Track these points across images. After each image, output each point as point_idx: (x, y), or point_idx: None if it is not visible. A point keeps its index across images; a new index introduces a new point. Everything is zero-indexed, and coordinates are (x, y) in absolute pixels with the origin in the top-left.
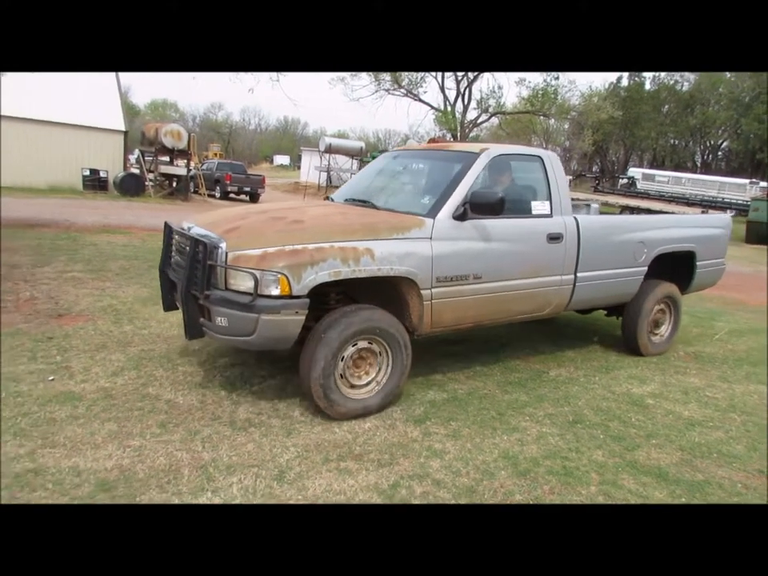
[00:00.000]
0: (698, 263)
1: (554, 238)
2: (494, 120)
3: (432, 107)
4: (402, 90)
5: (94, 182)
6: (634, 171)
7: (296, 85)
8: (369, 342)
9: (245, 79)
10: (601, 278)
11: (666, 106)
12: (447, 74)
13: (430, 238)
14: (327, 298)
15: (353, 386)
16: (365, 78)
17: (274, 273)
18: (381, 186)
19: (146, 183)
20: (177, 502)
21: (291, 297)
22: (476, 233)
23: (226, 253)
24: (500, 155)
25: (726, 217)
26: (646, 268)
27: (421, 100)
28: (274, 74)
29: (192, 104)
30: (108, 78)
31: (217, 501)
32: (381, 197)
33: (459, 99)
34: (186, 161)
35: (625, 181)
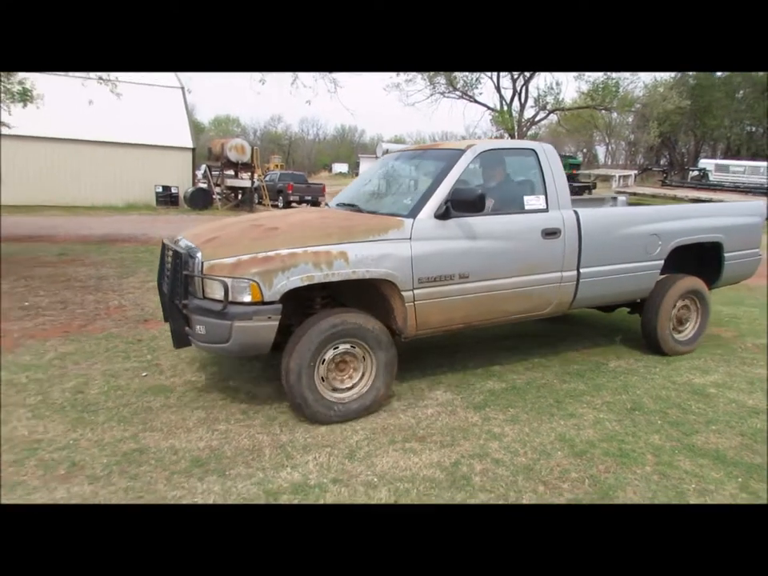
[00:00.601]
0: (726, 255)
1: (551, 233)
2: (553, 117)
3: (488, 108)
4: (457, 93)
5: (166, 198)
6: (706, 162)
7: (352, 93)
8: (350, 346)
9: (303, 91)
10: (608, 273)
11: (741, 92)
12: (503, 74)
13: (410, 239)
14: (313, 303)
15: (336, 390)
16: (420, 82)
17: (245, 280)
18: (373, 189)
19: (214, 197)
20: (261, 476)
21: (264, 303)
22: (460, 231)
23: (202, 262)
24: (487, 151)
25: (760, 203)
26: (661, 262)
27: (476, 101)
28: (331, 86)
29: (253, 118)
30: (176, 97)
31: (296, 476)
32: (369, 199)
33: (516, 98)
34: (250, 173)
35: (695, 173)
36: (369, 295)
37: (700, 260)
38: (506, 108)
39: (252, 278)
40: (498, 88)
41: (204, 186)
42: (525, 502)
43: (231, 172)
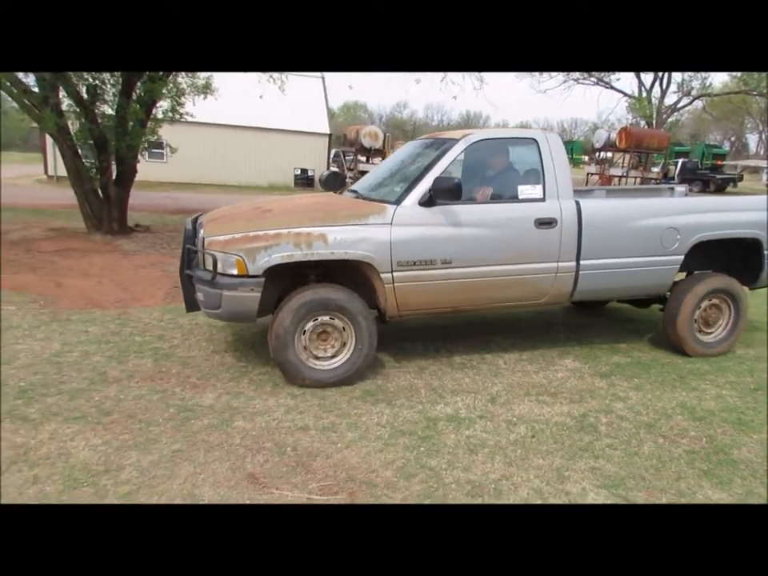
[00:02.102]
0: (767, 252)
1: (545, 222)
2: (698, 103)
3: (625, 94)
4: (593, 79)
5: (303, 180)
6: None
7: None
8: (330, 318)
9: (452, 87)
10: (615, 266)
11: None
12: None
13: (390, 224)
14: (307, 279)
15: (317, 358)
16: None
17: (233, 255)
18: (381, 176)
19: (346, 180)
20: (420, 407)
21: (248, 276)
22: (444, 219)
23: (203, 238)
24: (482, 140)
25: None
26: (680, 257)
27: (613, 87)
28: (478, 83)
29: (380, 104)
30: (317, 87)
31: (448, 410)
32: (372, 187)
33: (657, 83)
34: (380, 158)
35: None
36: (356, 275)
37: (744, 258)
38: (644, 95)
39: (238, 254)
40: (638, 73)
41: (336, 169)
42: (645, 450)
43: (363, 157)
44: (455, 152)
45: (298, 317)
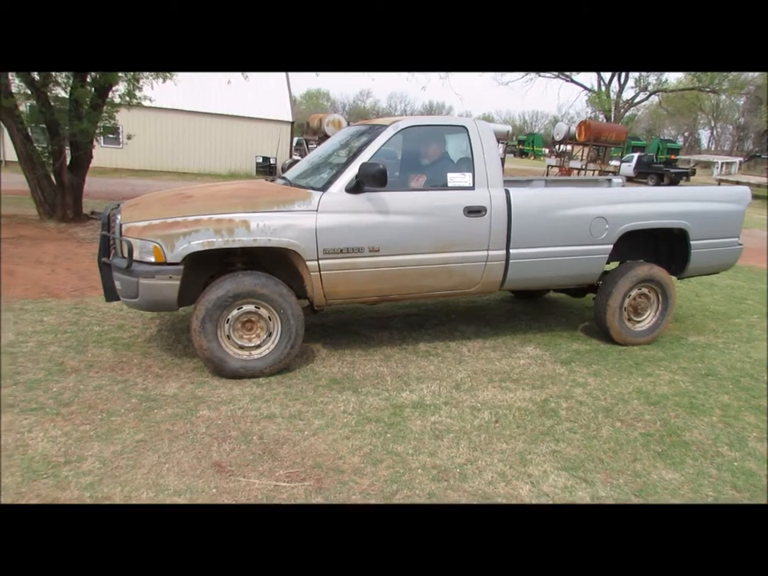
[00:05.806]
0: (693, 242)
1: (474, 211)
2: (654, 98)
3: (585, 88)
4: (554, 72)
5: (265, 168)
6: None
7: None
8: (256, 307)
9: (419, 77)
10: (545, 255)
11: None
12: None
13: (316, 211)
14: (234, 267)
15: (242, 348)
16: None
17: (150, 242)
18: (313, 163)
19: None
20: (386, 395)
21: (166, 264)
22: (372, 206)
23: (120, 225)
24: (411, 127)
25: (741, 190)
26: (609, 246)
27: (573, 81)
28: (443, 73)
29: (342, 93)
30: (279, 74)
31: (414, 397)
32: (302, 174)
33: (615, 78)
34: None
35: None
36: (283, 263)
37: (669, 248)
38: (603, 88)
39: (155, 241)
40: None
41: (298, 158)
42: (603, 433)
43: None
44: (384, 138)
45: (219, 306)
